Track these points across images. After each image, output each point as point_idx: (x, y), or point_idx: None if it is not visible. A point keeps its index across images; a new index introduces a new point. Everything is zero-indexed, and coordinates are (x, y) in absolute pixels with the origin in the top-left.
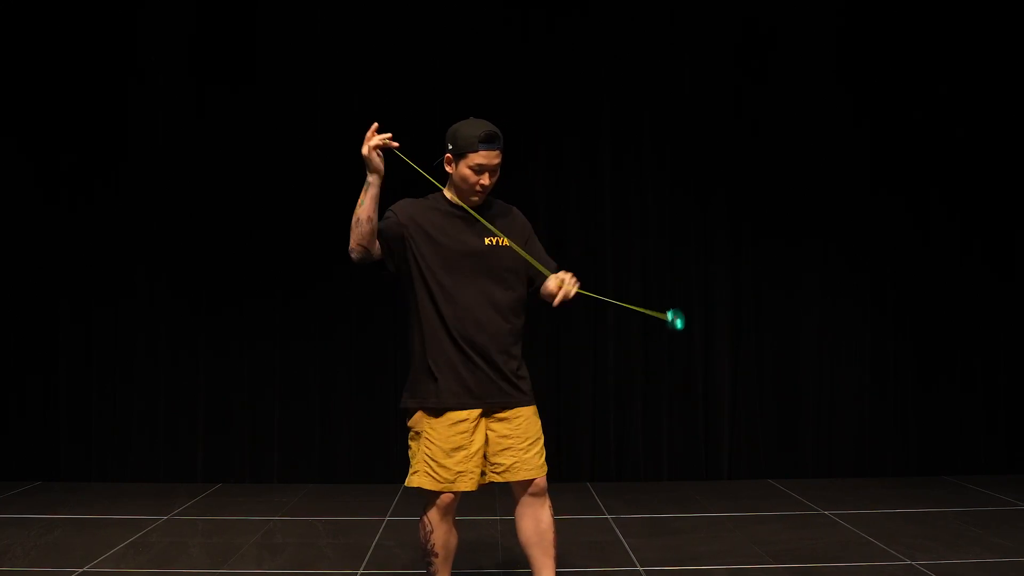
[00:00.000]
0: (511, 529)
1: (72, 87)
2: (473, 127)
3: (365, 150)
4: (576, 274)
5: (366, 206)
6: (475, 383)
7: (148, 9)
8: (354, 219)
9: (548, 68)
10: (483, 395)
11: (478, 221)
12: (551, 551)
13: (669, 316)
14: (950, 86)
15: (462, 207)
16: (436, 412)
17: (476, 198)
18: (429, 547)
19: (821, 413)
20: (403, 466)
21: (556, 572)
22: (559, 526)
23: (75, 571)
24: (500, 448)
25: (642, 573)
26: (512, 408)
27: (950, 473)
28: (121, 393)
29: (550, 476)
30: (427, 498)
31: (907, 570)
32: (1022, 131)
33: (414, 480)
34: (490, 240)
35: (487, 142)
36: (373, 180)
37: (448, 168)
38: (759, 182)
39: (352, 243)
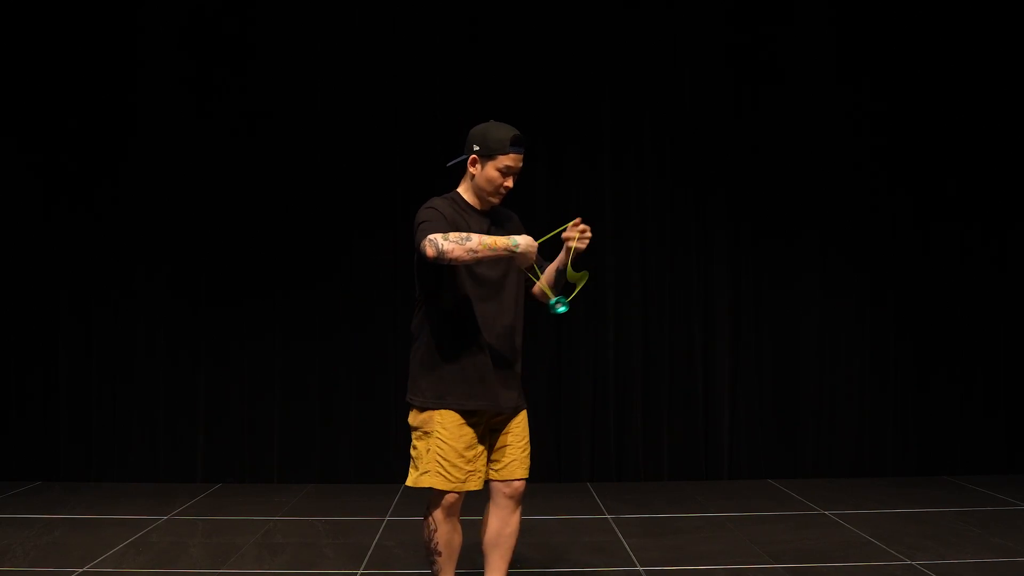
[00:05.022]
0: None
1: (72, 86)
2: (503, 130)
3: (532, 256)
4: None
5: (484, 252)
6: (491, 387)
7: (148, 7)
8: (471, 243)
9: (548, 68)
10: (496, 398)
11: (494, 226)
12: (508, 556)
13: (552, 302)
14: (951, 85)
15: (480, 211)
16: (449, 412)
17: (496, 200)
18: (433, 546)
19: (821, 413)
20: (403, 466)
21: (552, 573)
22: (559, 526)
23: (75, 571)
24: (501, 445)
25: (642, 573)
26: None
27: (950, 473)
28: (121, 393)
29: (550, 476)
30: (431, 497)
31: (907, 570)
32: (1022, 130)
33: (424, 480)
34: None
35: (517, 145)
36: (519, 252)
37: (472, 169)
38: (759, 182)
39: (446, 249)
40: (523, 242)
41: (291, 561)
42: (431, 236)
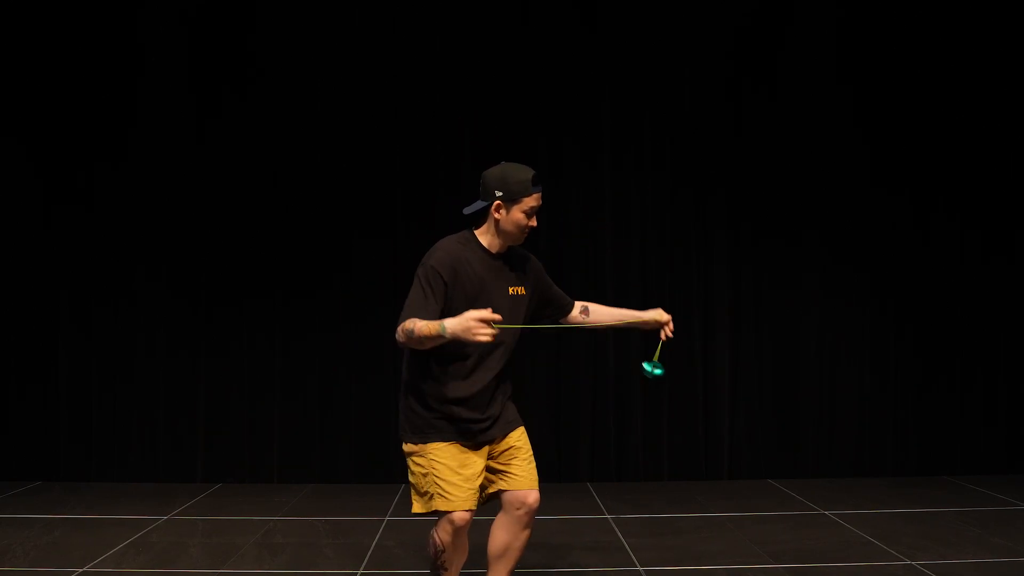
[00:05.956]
0: None
1: (73, 88)
2: (521, 171)
3: (475, 336)
4: (576, 275)
5: (416, 342)
6: (476, 430)
7: (149, 9)
8: (415, 335)
9: (548, 68)
10: (482, 436)
11: (506, 269)
12: (513, 567)
13: (647, 368)
14: (951, 86)
15: (495, 255)
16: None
17: (521, 240)
18: (440, 562)
19: (821, 413)
20: (404, 465)
21: (552, 573)
22: (559, 526)
23: (75, 571)
24: (507, 460)
25: (642, 573)
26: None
27: (950, 473)
28: (121, 393)
29: (551, 476)
30: (438, 520)
31: (907, 570)
32: (1022, 131)
33: (431, 504)
34: (513, 290)
35: (538, 184)
36: (449, 337)
37: (497, 215)
38: (759, 182)
39: (402, 341)
40: (451, 325)
41: (291, 561)
42: (402, 325)
